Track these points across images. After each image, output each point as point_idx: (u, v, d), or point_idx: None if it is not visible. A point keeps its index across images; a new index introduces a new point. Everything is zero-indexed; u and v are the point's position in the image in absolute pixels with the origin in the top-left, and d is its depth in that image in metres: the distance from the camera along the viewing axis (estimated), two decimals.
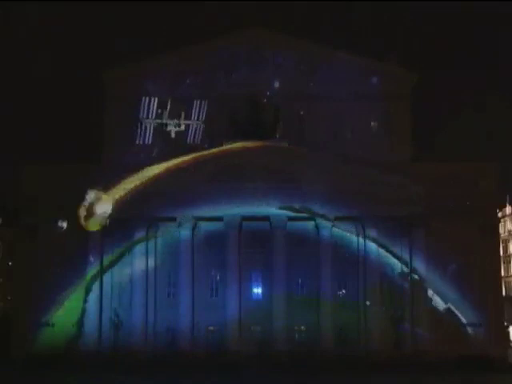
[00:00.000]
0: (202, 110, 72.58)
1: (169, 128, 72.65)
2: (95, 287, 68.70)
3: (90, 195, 63.10)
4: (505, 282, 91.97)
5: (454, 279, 67.96)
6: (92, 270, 68.83)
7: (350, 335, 68.12)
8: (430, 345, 66.02)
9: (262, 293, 71.21)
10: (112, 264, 69.82)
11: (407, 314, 68.14)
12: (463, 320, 68.39)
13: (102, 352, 67.47)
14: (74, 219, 66.87)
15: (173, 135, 72.59)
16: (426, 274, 68.05)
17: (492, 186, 69.98)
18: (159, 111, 72.92)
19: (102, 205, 63.68)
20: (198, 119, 72.72)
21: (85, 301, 68.59)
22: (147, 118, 73.29)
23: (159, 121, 72.58)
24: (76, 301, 68.80)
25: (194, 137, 73.01)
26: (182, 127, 72.56)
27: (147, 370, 62.74)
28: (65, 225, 66.06)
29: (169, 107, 72.74)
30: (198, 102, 72.19)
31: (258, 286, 71.59)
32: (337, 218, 68.66)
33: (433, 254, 67.92)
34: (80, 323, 68.23)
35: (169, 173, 67.76)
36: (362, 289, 68.50)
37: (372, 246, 68.48)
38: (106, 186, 66.41)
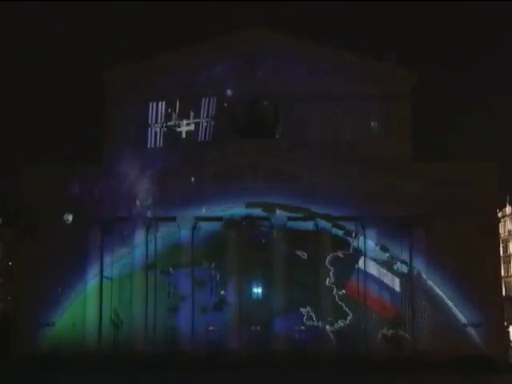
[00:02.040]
0: (206, 109, 72.55)
1: (178, 129, 72.67)
2: (95, 287, 68.79)
3: None
4: (505, 282, 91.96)
5: (454, 279, 67.97)
6: (92, 270, 68.89)
7: (350, 335, 68.10)
8: (430, 345, 66.04)
9: (262, 293, 71.23)
10: (112, 264, 69.87)
11: (407, 313, 68.14)
12: (463, 320, 68.41)
13: (103, 352, 67.57)
14: (73, 219, 66.95)
15: (183, 135, 72.66)
16: (425, 273, 68.08)
17: (492, 186, 69.94)
18: (161, 111, 72.90)
19: None
20: (205, 117, 72.67)
21: (85, 300, 68.65)
22: (148, 118, 73.29)
23: (163, 123, 72.56)
24: (76, 300, 68.91)
25: (198, 136, 72.96)
26: (192, 127, 72.58)
27: (147, 369, 62.75)
28: (70, 218, 66.10)
29: (171, 108, 72.76)
30: (205, 101, 72.12)
31: (257, 286, 71.63)
32: (337, 218, 68.66)
33: (433, 254, 67.94)
34: (80, 323, 68.24)
35: (169, 172, 67.82)
36: (362, 289, 68.52)
37: (372, 245, 68.49)
38: (105, 186, 66.55)
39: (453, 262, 67.72)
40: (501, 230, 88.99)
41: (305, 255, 67.65)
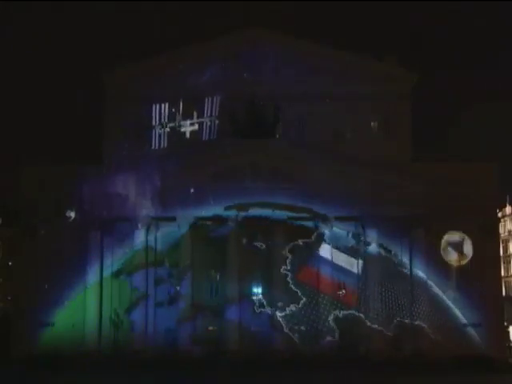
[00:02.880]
0: (206, 109, 72.59)
1: (178, 129, 72.74)
2: (95, 287, 68.77)
3: None
4: (505, 282, 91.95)
5: (453, 279, 67.97)
6: (92, 270, 68.86)
7: (350, 335, 68.09)
8: (430, 345, 66.01)
9: (262, 293, 71.19)
10: (112, 264, 69.85)
11: (407, 313, 68.14)
12: (463, 320, 68.39)
13: (103, 352, 67.53)
14: (74, 219, 66.95)
15: (187, 135, 72.79)
16: (425, 273, 68.07)
17: (492, 186, 69.94)
18: (161, 111, 72.94)
19: None
20: (206, 117, 72.72)
21: (85, 300, 68.64)
22: (148, 117, 73.36)
23: (163, 123, 72.60)
24: (76, 300, 68.84)
25: (198, 136, 72.97)
26: (195, 127, 72.72)
27: (147, 369, 62.76)
28: (72, 215, 66.14)
29: (171, 107, 72.80)
30: (205, 101, 72.18)
31: (258, 286, 71.61)
32: (337, 218, 68.65)
33: (433, 254, 67.95)
34: (80, 323, 68.24)
35: (169, 172, 67.82)
36: (362, 288, 68.54)
37: (372, 245, 68.49)
38: (105, 186, 66.54)
39: (452, 262, 67.70)
40: (501, 230, 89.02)
41: (263, 246, 68.15)
